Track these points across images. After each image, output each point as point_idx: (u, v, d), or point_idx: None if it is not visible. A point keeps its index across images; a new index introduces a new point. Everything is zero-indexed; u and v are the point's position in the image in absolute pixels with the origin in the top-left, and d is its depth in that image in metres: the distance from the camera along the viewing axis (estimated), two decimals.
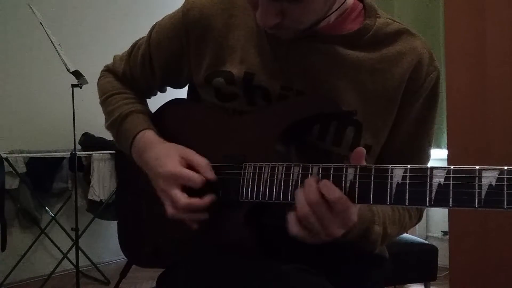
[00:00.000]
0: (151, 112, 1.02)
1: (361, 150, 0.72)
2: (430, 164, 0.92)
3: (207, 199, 0.82)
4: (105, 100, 1.02)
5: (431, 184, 0.64)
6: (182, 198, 0.82)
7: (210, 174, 0.83)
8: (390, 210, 0.87)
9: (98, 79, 1.08)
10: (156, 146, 0.90)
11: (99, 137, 3.12)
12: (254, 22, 0.88)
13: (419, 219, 0.96)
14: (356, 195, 0.70)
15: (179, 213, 0.83)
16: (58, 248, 3.06)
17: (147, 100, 1.08)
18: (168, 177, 0.84)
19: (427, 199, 0.64)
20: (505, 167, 0.59)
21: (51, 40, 2.63)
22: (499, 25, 1.82)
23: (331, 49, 0.85)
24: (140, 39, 1.02)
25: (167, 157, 0.86)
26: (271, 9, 0.75)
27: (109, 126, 1.00)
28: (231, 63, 0.88)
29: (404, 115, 0.88)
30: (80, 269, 2.89)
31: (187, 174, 0.83)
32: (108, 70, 1.07)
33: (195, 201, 0.81)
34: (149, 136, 0.93)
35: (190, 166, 0.85)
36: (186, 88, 1.05)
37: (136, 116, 0.96)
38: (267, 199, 0.78)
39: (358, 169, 0.70)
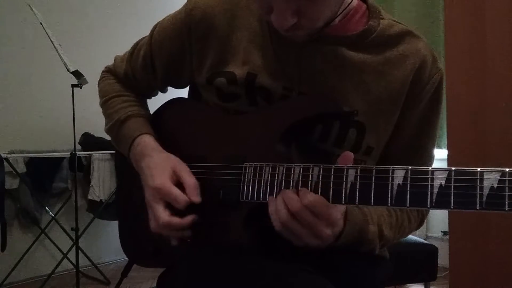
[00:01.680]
0: (150, 114, 1.02)
1: (350, 154, 0.73)
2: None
3: (188, 219, 0.82)
4: (105, 103, 1.02)
5: (432, 186, 0.64)
6: (163, 215, 0.82)
7: (196, 198, 0.82)
8: (386, 213, 0.86)
9: (99, 81, 1.08)
10: (151, 154, 0.90)
11: (99, 137, 3.11)
12: (257, 23, 0.87)
13: (421, 223, 0.96)
14: (357, 196, 0.69)
15: (159, 229, 0.84)
16: (58, 248, 3.06)
17: (148, 100, 1.08)
18: (155, 191, 0.84)
19: (428, 201, 0.64)
20: (507, 169, 0.59)
21: (51, 40, 2.63)
22: (499, 25, 1.81)
23: (334, 50, 0.85)
24: (141, 39, 1.02)
25: (158, 169, 0.86)
26: (287, 9, 0.74)
27: (108, 130, 1.00)
28: (234, 63, 0.88)
29: (407, 117, 0.88)
30: (80, 269, 2.88)
31: (172, 192, 0.82)
32: (109, 71, 1.07)
33: (176, 220, 0.82)
34: (146, 142, 0.92)
35: (179, 183, 0.84)
36: (187, 88, 1.04)
37: (134, 120, 0.96)
38: (267, 199, 0.78)
39: (359, 170, 0.70)
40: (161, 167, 0.86)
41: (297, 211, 0.72)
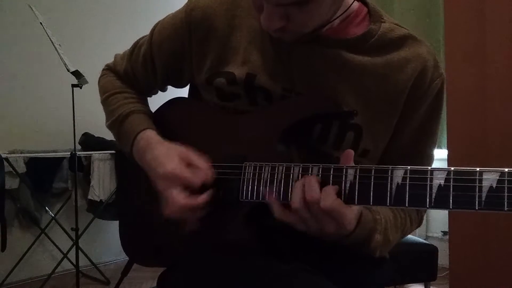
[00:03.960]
0: (151, 111, 1.02)
1: (350, 152, 0.73)
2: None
3: (205, 196, 0.81)
4: (106, 99, 1.02)
5: (431, 186, 0.63)
6: (180, 198, 0.81)
7: (210, 175, 0.83)
8: (392, 215, 0.86)
9: (99, 78, 1.08)
10: (156, 146, 0.90)
11: (99, 137, 3.12)
12: (257, 24, 0.87)
13: (419, 223, 0.96)
14: (356, 195, 0.69)
15: (177, 212, 0.83)
16: (58, 248, 3.06)
17: (148, 98, 1.08)
18: (167, 177, 0.84)
19: (427, 201, 0.64)
20: (506, 169, 0.59)
21: (51, 40, 2.63)
22: (499, 25, 1.81)
23: (334, 53, 0.85)
24: (141, 38, 1.02)
25: (167, 157, 0.86)
26: (276, 13, 0.74)
27: (110, 126, 1.00)
28: (233, 64, 0.88)
29: (407, 121, 0.88)
30: (80, 269, 2.89)
31: (186, 174, 0.82)
32: (109, 69, 1.07)
33: (193, 200, 0.81)
34: (149, 136, 0.93)
35: (189, 166, 0.84)
36: (187, 86, 1.05)
37: (136, 116, 0.96)
38: (267, 199, 0.78)
39: (358, 170, 0.70)
40: (168, 155, 0.86)
41: (311, 201, 0.71)
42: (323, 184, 0.72)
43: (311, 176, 0.73)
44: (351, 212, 0.73)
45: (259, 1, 0.76)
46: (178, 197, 0.82)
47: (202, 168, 0.83)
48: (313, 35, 0.83)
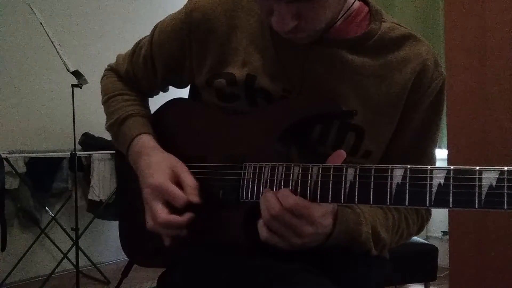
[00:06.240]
0: (151, 114, 1.02)
1: (342, 152, 0.74)
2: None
3: (186, 217, 0.82)
4: (107, 101, 1.02)
5: (431, 185, 0.63)
6: (162, 213, 0.82)
7: (195, 198, 0.82)
8: (381, 214, 0.86)
9: (101, 78, 1.08)
10: (150, 153, 0.90)
11: (99, 137, 3.12)
12: (258, 24, 0.87)
13: (421, 227, 0.94)
14: (356, 195, 0.69)
15: (157, 227, 0.83)
16: (58, 248, 3.06)
17: (149, 99, 1.08)
18: (153, 189, 0.84)
19: (427, 200, 0.64)
20: (505, 168, 0.59)
21: (51, 40, 2.63)
22: (499, 25, 1.81)
23: (335, 53, 0.84)
24: (143, 39, 1.02)
25: (158, 168, 0.86)
26: (287, 12, 0.73)
27: (109, 128, 1.01)
28: (234, 65, 0.88)
29: (408, 121, 0.88)
30: (80, 269, 2.89)
31: (171, 191, 0.82)
32: (111, 69, 1.08)
33: (174, 218, 0.82)
34: (145, 141, 0.93)
35: (178, 183, 0.84)
36: (188, 87, 1.05)
37: (134, 119, 0.96)
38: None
39: (358, 170, 0.70)
40: (160, 166, 0.86)
41: (277, 214, 0.72)
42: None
43: (268, 194, 0.75)
44: (320, 207, 0.73)
45: (267, 4, 0.75)
46: (159, 212, 0.82)
47: (189, 190, 0.83)
48: (321, 35, 0.82)
